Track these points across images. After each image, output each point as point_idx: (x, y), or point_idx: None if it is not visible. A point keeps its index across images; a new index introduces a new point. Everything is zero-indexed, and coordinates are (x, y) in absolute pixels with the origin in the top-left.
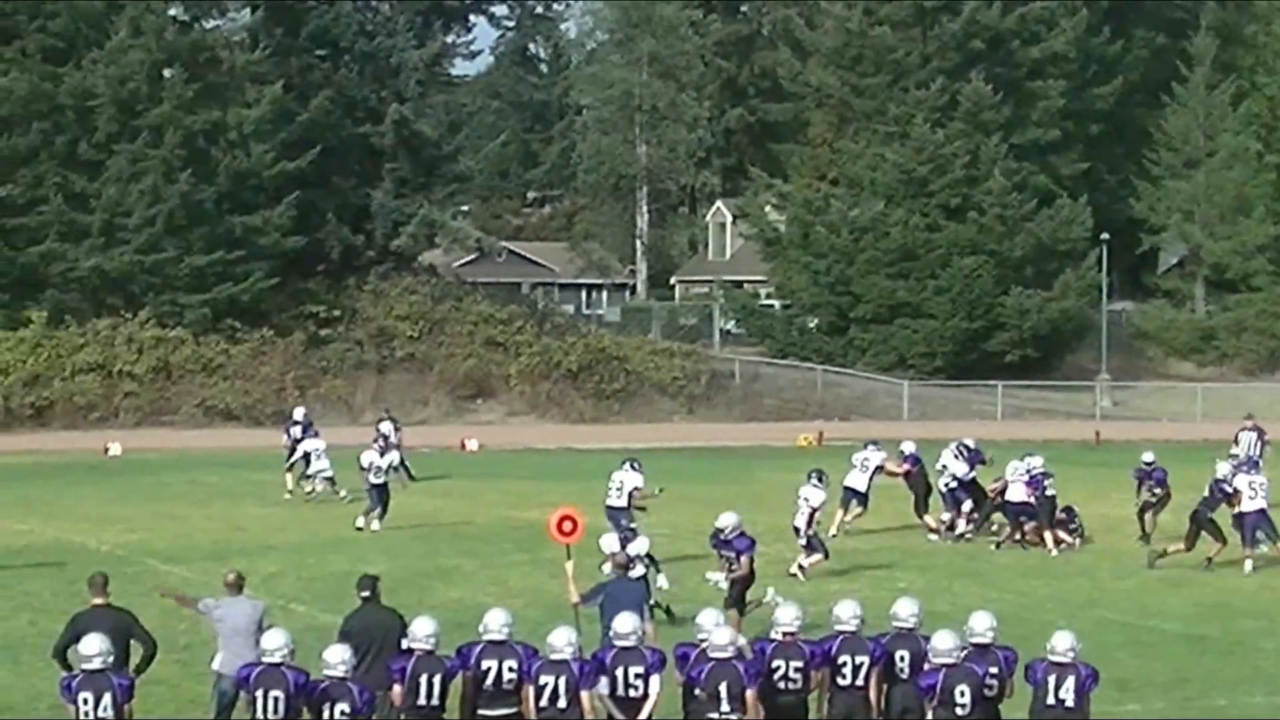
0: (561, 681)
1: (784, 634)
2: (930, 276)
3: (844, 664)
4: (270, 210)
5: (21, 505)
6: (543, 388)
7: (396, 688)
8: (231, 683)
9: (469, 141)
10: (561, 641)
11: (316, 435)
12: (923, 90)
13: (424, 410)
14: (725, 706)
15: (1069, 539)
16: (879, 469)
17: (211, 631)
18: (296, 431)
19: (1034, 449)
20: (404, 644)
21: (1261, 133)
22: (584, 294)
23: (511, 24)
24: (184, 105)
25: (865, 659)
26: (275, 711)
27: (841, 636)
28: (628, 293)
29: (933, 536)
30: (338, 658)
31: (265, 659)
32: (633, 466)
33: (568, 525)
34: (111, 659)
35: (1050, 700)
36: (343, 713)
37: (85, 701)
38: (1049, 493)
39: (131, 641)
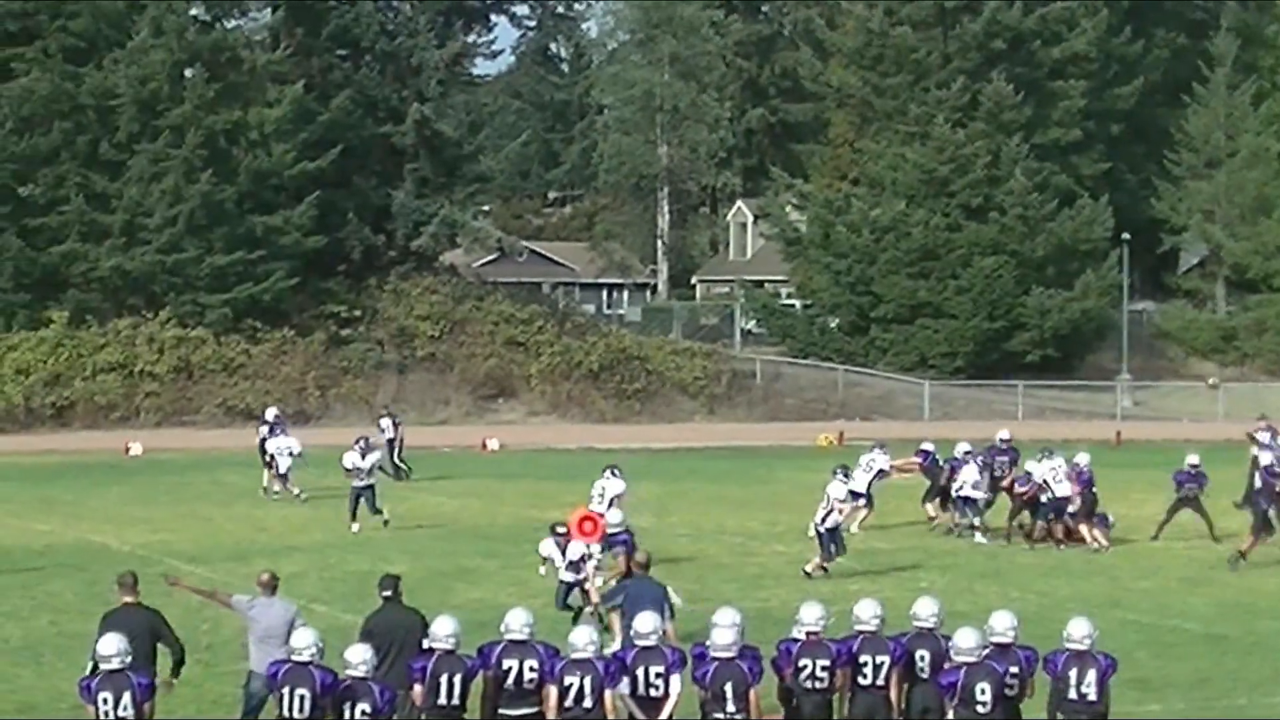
0: (587, 681)
1: (808, 633)
2: (951, 276)
3: (865, 663)
4: (291, 210)
5: (43, 506)
6: (564, 388)
7: (417, 687)
8: (262, 682)
9: (490, 141)
10: (583, 640)
11: (284, 434)
12: (944, 90)
13: (445, 410)
14: (731, 706)
15: (1104, 541)
16: (882, 472)
17: (241, 630)
18: (264, 431)
19: (1055, 448)
20: (425, 644)
21: None
22: (605, 294)
23: (533, 24)
24: (205, 105)
25: (886, 658)
26: (301, 710)
27: (862, 636)
28: (649, 293)
29: (936, 525)
30: (359, 657)
31: (294, 657)
32: (614, 473)
33: (588, 525)
34: (130, 658)
35: (1072, 695)
36: (364, 712)
37: (105, 701)
38: (1093, 489)
39: (159, 645)
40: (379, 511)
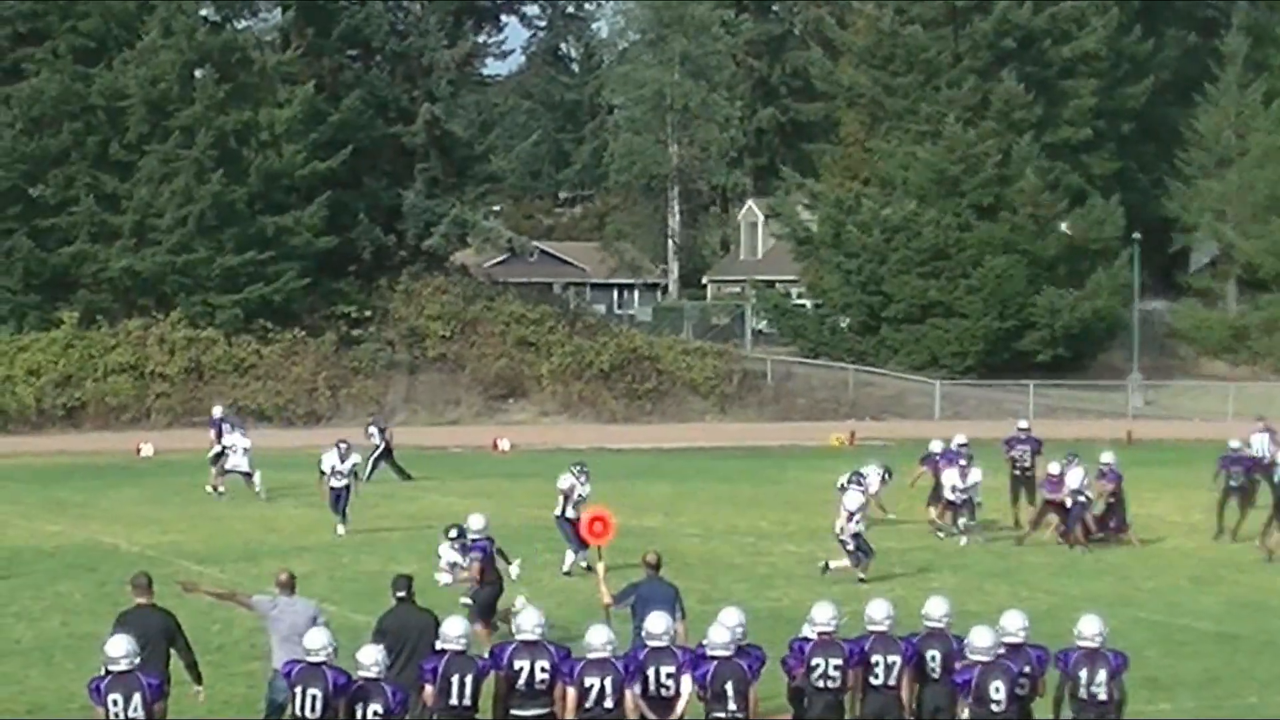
0: (608, 681)
1: (821, 633)
2: (962, 276)
3: (876, 663)
4: (302, 210)
5: (53, 506)
6: (575, 387)
7: (428, 688)
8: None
9: (500, 141)
10: (600, 640)
11: (234, 431)
12: (954, 89)
13: (456, 410)
14: (732, 705)
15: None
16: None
17: (253, 631)
18: (226, 429)
19: (1067, 447)
20: (437, 644)
21: None
22: (616, 294)
23: (543, 24)
24: (215, 105)
25: (898, 658)
26: (314, 710)
27: (874, 636)
28: (659, 292)
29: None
30: (371, 658)
31: (308, 658)
32: (576, 471)
33: (599, 526)
34: (138, 659)
35: (1083, 694)
36: (375, 713)
37: (115, 703)
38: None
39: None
40: (344, 518)
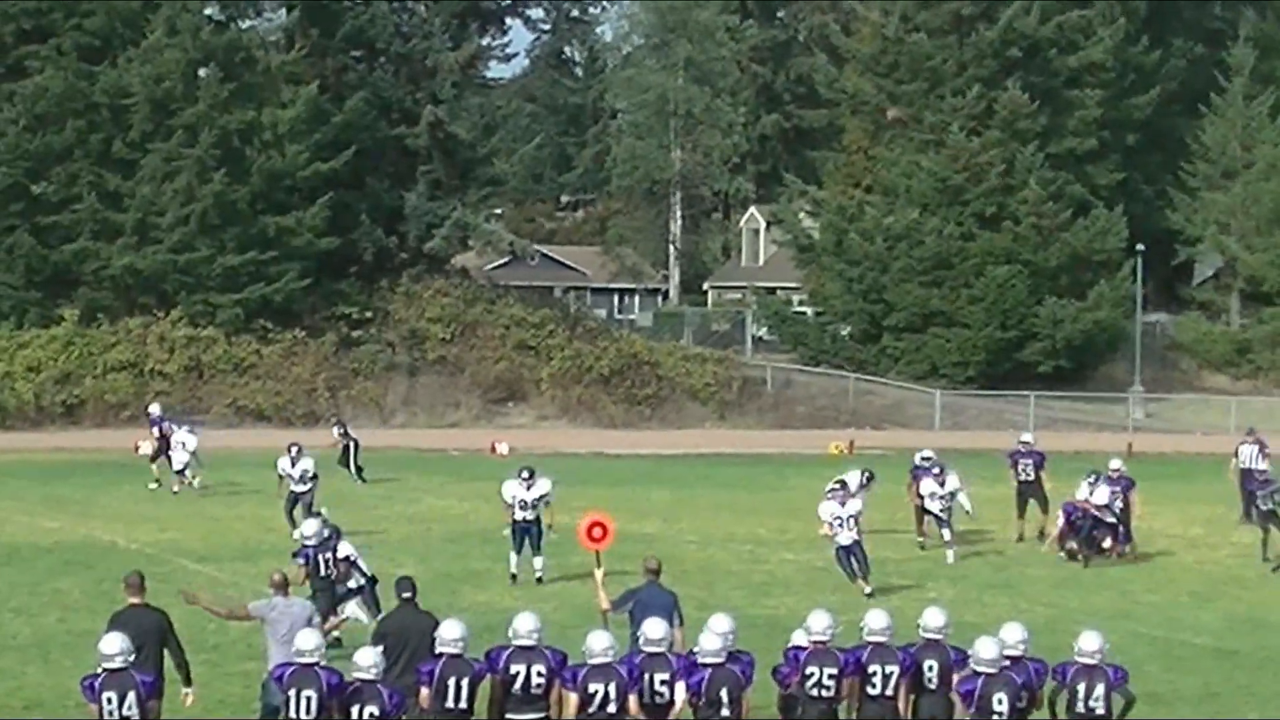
0: (612, 687)
1: (815, 642)
2: (964, 285)
3: (874, 673)
4: (304, 211)
5: (52, 503)
6: (574, 392)
7: (424, 690)
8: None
9: (503, 144)
10: (601, 646)
11: (181, 429)
12: (959, 98)
13: (455, 413)
14: (725, 711)
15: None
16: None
17: (249, 630)
18: (168, 427)
19: (1068, 460)
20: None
21: None
22: (616, 299)
23: (547, 27)
24: (219, 105)
25: (895, 668)
26: (308, 711)
27: (871, 645)
28: (660, 298)
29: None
30: (368, 660)
31: (299, 659)
32: (520, 475)
33: (597, 531)
34: (133, 657)
35: (1080, 709)
36: (371, 715)
37: (109, 701)
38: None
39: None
40: (294, 523)
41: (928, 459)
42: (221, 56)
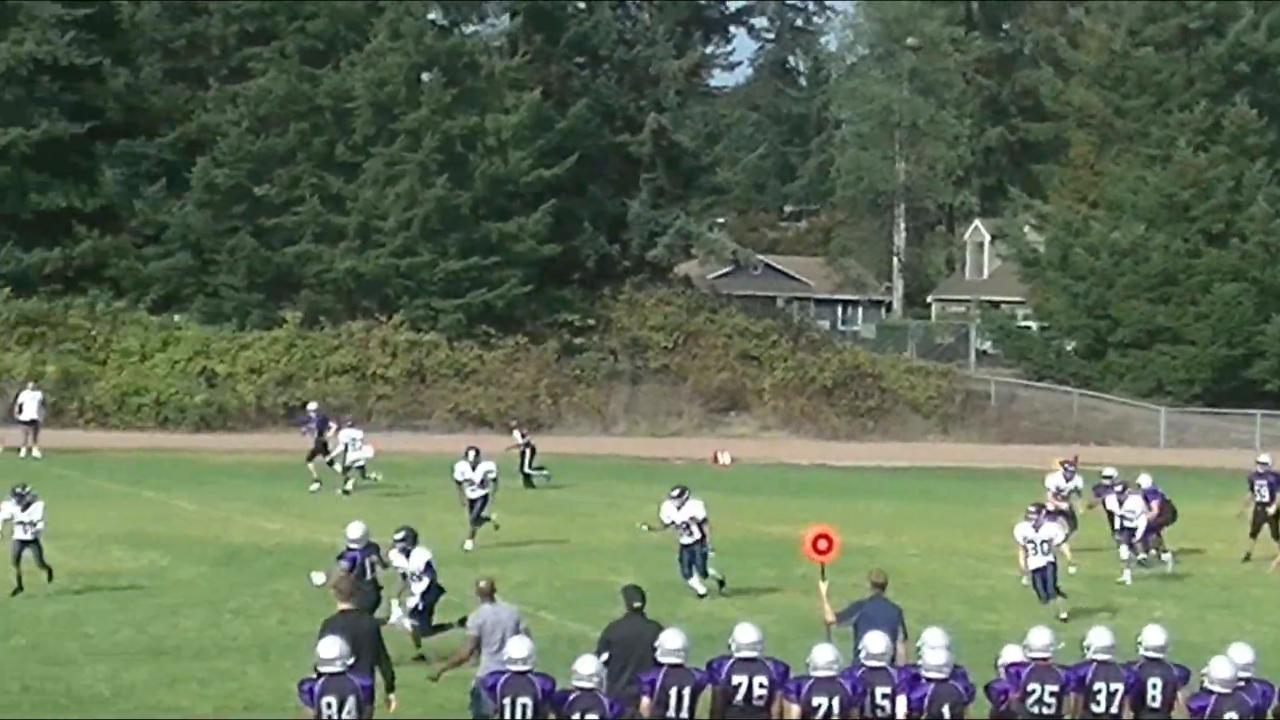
0: (835, 700)
1: (1036, 658)
2: (1190, 302)
3: (1099, 690)
4: (526, 217)
5: (273, 504)
6: (796, 403)
7: (645, 700)
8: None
9: (727, 153)
10: (826, 659)
11: (347, 427)
12: (1186, 113)
13: (677, 422)
14: None
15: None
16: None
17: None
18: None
19: None
20: (657, 656)
21: None
22: (839, 310)
23: (771, 36)
24: (442, 110)
25: (1120, 686)
26: (524, 716)
27: (1096, 663)
28: (883, 310)
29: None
30: (589, 668)
31: (512, 666)
32: (671, 495)
33: (822, 544)
34: (351, 660)
35: None
36: None
37: (329, 705)
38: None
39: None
40: (486, 519)
41: (1108, 477)
42: (444, 61)
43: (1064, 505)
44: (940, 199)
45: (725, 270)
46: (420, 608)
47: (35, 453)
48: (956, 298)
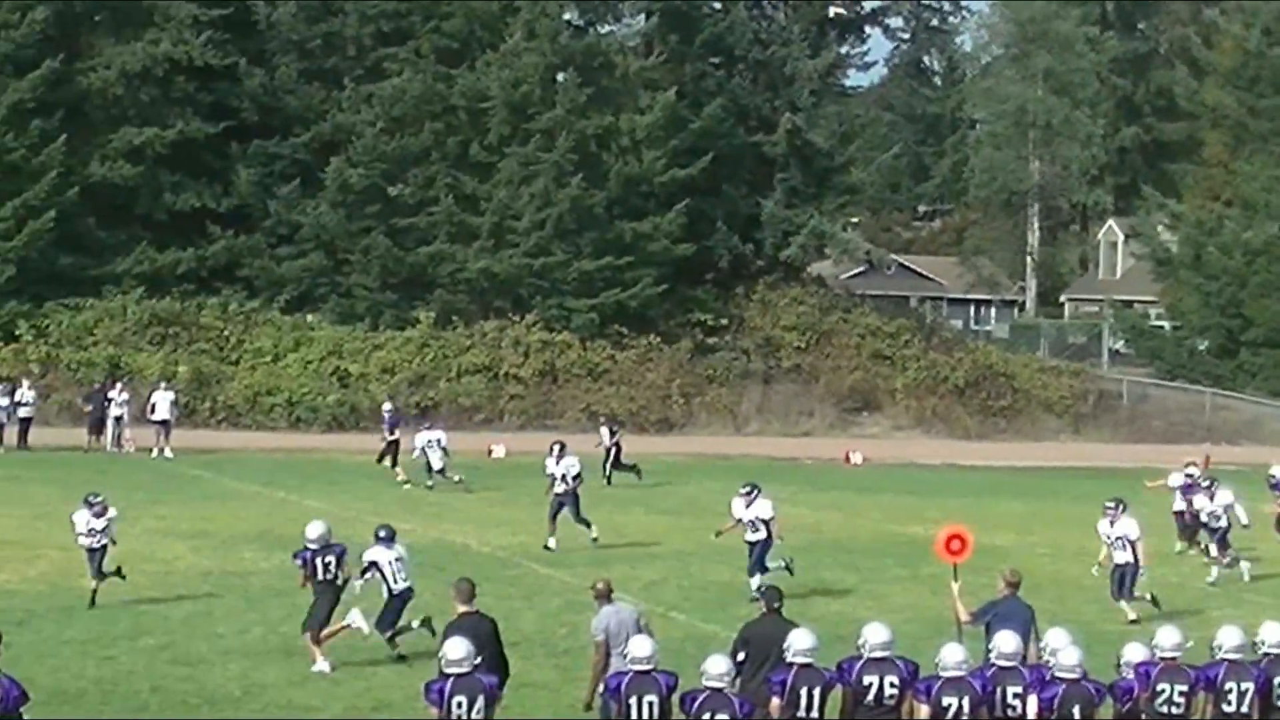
0: (965, 700)
1: (1165, 658)
2: None
3: (1230, 690)
4: (660, 217)
5: (406, 505)
6: (929, 402)
7: (775, 700)
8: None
9: (860, 153)
10: (955, 659)
11: (431, 428)
12: None
13: (809, 421)
14: None
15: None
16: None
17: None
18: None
19: None
20: (786, 656)
21: None
22: (972, 309)
23: (906, 36)
24: (576, 110)
25: (1250, 685)
26: (650, 715)
27: (1227, 663)
28: (1016, 309)
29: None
30: (720, 668)
31: (635, 666)
32: (741, 492)
33: (956, 544)
34: (479, 660)
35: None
36: None
37: (459, 705)
38: None
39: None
40: (586, 524)
41: (1189, 474)
42: (580, 61)
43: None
44: (1074, 198)
45: (858, 270)
46: (392, 607)
47: (167, 453)
48: (1089, 297)
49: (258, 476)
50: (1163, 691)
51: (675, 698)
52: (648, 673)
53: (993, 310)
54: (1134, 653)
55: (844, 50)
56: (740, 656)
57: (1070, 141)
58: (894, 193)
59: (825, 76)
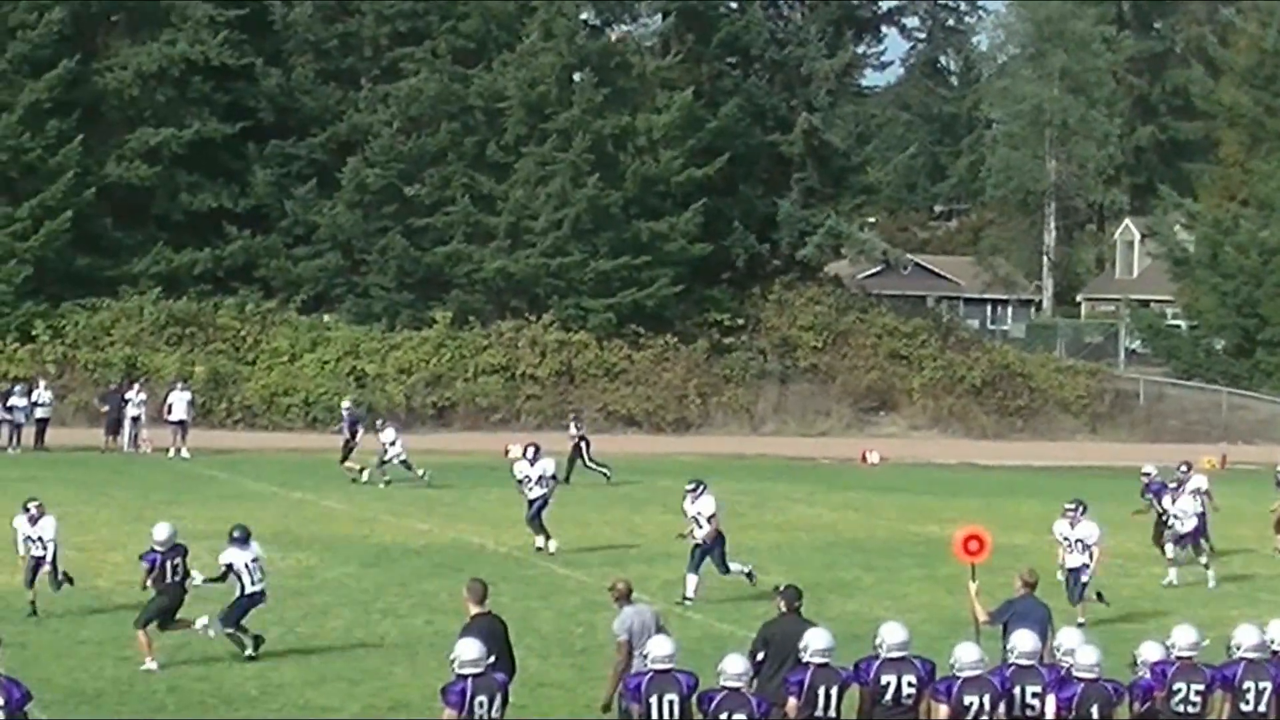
0: (986, 699)
1: (1181, 657)
2: None
3: (1247, 689)
4: (677, 217)
5: (422, 505)
6: (945, 402)
7: (792, 700)
8: None
9: (877, 153)
10: (972, 658)
11: (387, 428)
12: None
13: (825, 421)
14: None
15: None
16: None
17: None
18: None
19: None
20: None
21: None
22: (989, 309)
23: (923, 36)
24: (593, 110)
25: (1269, 685)
26: (671, 714)
27: (1245, 662)
28: (1033, 309)
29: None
30: (737, 668)
31: (655, 665)
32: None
33: (974, 544)
34: (492, 659)
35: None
36: None
37: (481, 704)
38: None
39: None
40: (544, 530)
41: (1147, 474)
42: (596, 61)
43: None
44: (1090, 198)
45: (875, 270)
46: (240, 604)
47: (184, 453)
48: (1106, 296)
49: (274, 477)
50: (1179, 691)
51: (694, 698)
52: (668, 672)
53: (1009, 310)
54: (1150, 652)
55: (860, 50)
56: (760, 656)
57: (1086, 141)
58: (910, 192)
59: (842, 76)
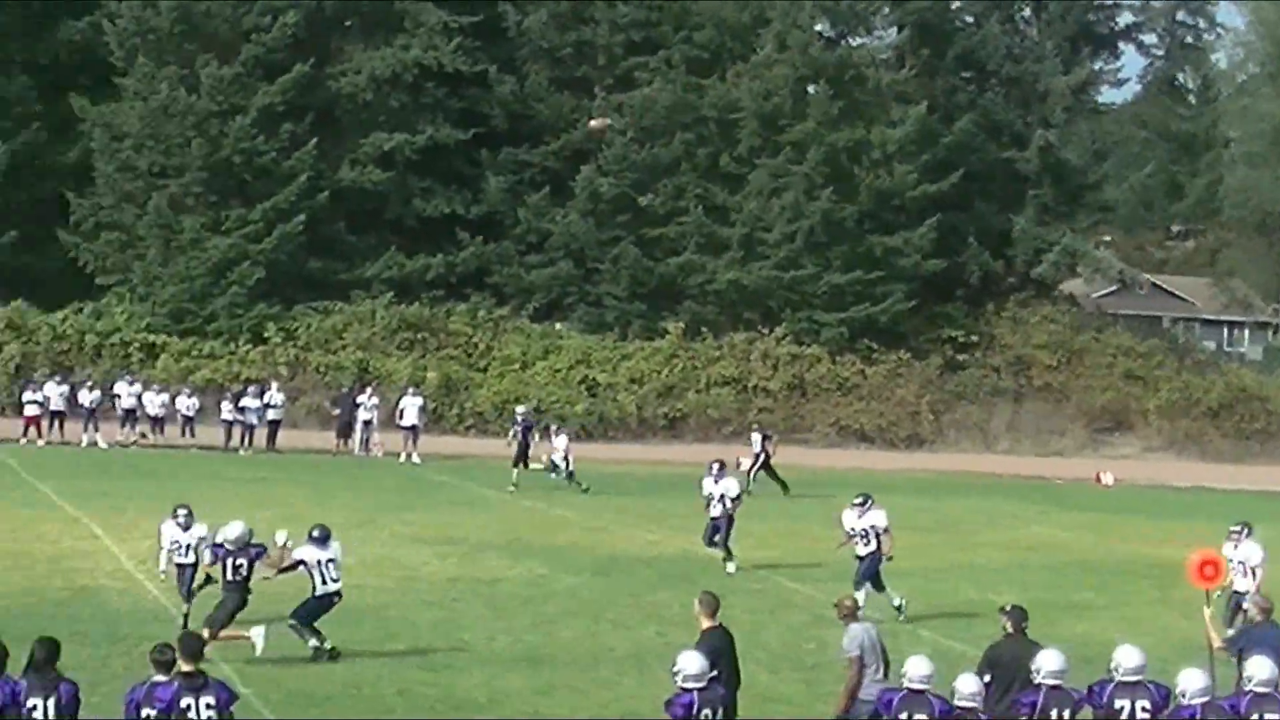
0: None
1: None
2: None
3: None
4: (911, 231)
5: (653, 516)
6: (1181, 424)
7: None
8: (872, 708)
9: (1114, 170)
10: (1198, 686)
11: (559, 435)
12: None
13: (1059, 441)
14: None
15: None
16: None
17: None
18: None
19: None
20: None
21: None
22: (1225, 331)
23: (1160, 53)
24: (827, 122)
25: None
26: None
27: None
28: (1271, 331)
29: None
30: (971, 688)
31: (910, 685)
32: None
33: (1209, 569)
34: (714, 674)
35: None
36: None
37: (707, 716)
38: None
39: None
40: (727, 550)
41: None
42: (831, 73)
43: None
44: None
45: (1110, 289)
46: (311, 605)
47: (415, 458)
48: None
49: (505, 484)
50: None
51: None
52: (922, 692)
53: (1246, 332)
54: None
55: (1097, 66)
56: (986, 677)
57: None
58: (1147, 211)
59: (1078, 93)
